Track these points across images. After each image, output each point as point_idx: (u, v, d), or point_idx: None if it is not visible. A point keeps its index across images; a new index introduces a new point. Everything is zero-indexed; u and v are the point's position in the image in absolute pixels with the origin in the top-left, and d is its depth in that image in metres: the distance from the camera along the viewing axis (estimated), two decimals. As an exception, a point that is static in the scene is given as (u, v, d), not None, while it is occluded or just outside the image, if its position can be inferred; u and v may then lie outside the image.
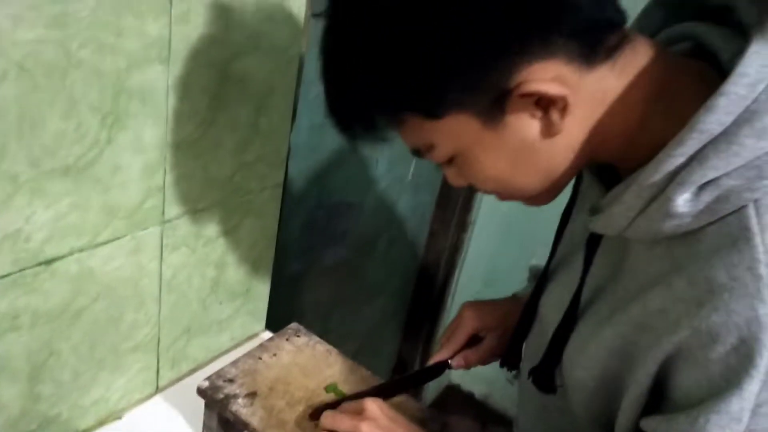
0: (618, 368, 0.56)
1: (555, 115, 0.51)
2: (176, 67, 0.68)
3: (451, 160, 0.57)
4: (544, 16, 0.48)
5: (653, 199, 0.50)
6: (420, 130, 0.55)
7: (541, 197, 0.59)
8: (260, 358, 0.83)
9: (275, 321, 1.05)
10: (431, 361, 0.83)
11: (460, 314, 0.84)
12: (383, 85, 0.52)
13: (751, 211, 0.46)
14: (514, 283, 1.05)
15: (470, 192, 1.62)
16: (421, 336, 1.86)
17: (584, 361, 0.60)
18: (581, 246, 0.62)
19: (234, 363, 0.81)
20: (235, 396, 0.76)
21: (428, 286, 1.77)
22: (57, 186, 0.62)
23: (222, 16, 0.70)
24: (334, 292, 1.44)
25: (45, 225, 0.63)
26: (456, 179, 0.61)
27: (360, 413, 0.69)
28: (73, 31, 0.57)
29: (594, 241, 0.61)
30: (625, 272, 0.57)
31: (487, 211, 1.68)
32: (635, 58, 0.52)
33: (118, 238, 0.71)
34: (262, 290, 1.00)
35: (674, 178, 0.48)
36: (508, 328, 0.80)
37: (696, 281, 0.48)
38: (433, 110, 0.52)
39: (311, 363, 0.85)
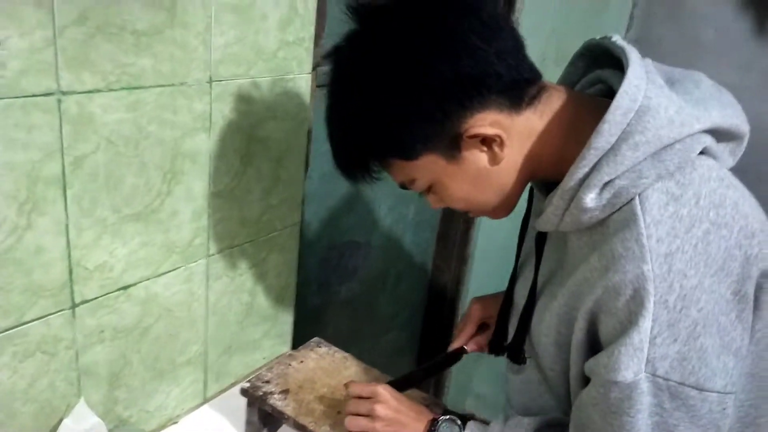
0: (566, 330, 0.74)
1: (496, 149, 0.71)
2: (215, 134, 0.90)
3: (429, 190, 0.77)
4: (477, 84, 0.68)
5: (571, 199, 0.69)
6: (403, 169, 0.75)
7: (500, 210, 0.79)
8: (290, 365, 1.01)
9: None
10: (450, 349, 1.00)
11: (469, 308, 1.03)
12: (373, 141, 0.73)
13: (637, 201, 0.65)
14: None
15: (466, 228, 1.81)
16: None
17: (543, 330, 0.78)
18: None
19: (269, 368, 0.99)
20: (272, 393, 0.94)
21: (437, 316, 1.94)
22: (131, 228, 0.83)
23: (247, 94, 0.92)
24: (351, 323, 1.61)
25: (123, 258, 0.83)
26: (436, 203, 0.81)
27: (374, 397, 0.87)
28: (143, 113, 0.79)
29: (541, 238, 0.80)
30: (566, 259, 0.75)
31: (483, 244, 1.86)
32: (551, 103, 0.72)
33: (175, 269, 0.91)
34: (287, 315, 1.18)
35: (583, 182, 0.67)
36: None
37: (604, 254, 0.66)
38: (409, 154, 0.73)
39: (332, 366, 1.03)
